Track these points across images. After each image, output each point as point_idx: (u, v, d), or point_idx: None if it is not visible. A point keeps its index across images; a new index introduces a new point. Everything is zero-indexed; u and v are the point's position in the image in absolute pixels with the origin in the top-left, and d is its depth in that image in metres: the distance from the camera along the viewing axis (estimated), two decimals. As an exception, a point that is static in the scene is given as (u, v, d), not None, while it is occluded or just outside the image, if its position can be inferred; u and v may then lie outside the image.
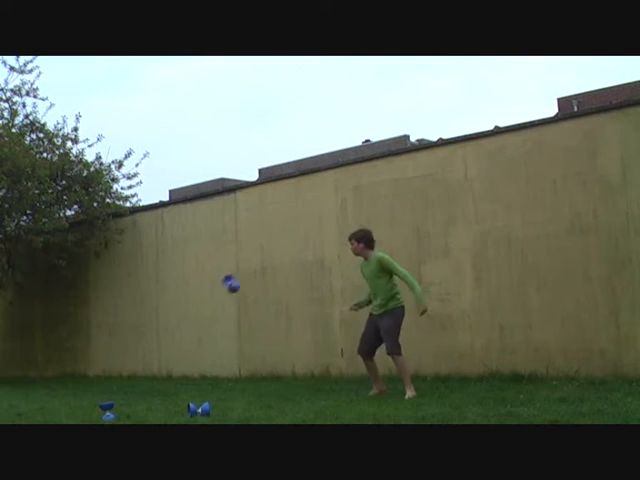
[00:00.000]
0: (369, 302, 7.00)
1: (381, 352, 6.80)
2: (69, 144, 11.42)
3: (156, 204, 11.46)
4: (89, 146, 11.50)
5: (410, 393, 6.45)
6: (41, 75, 10.93)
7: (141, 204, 11.84)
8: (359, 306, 7.15)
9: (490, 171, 7.82)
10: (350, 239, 7.00)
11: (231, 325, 9.88)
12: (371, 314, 6.90)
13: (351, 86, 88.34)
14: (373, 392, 6.84)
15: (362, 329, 6.94)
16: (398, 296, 6.76)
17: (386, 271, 6.74)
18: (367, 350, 6.90)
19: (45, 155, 11.31)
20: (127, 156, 11.56)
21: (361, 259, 7.02)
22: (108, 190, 11.57)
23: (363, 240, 6.91)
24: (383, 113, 71.47)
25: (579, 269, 7.14)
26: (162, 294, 10.75)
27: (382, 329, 6.71)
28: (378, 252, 6.89)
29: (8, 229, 11.13)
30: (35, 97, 11.10)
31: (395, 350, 6.63)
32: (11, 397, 8.27)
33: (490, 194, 7.79)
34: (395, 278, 6.78)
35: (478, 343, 7.71)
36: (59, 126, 11.37)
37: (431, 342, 7.97)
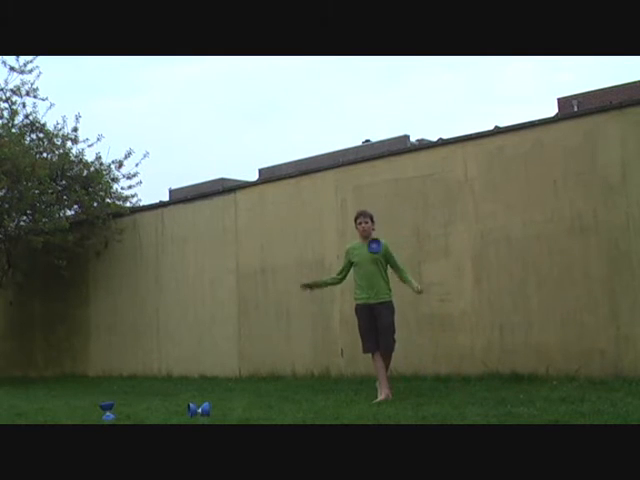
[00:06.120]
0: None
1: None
2: (69, 144, 11.45)
3: (156, 204, 11.46)
4: (89, 146, 11.55)
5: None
6: (41, 75, 10.98)
7: (141, 204, 11.87)
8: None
9: (490, 171, 7.81)
10: (365, 216, 6.55)
11: (231, 325, 9.87)
12: (367, 304, 6.43)
13: (351, 86, 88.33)
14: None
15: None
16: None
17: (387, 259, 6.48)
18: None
19: (45, 155, 11.32)
20: (127, 156, 11.59)
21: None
22: (108, 190, 11.58)
23: (373, 220, 6.57)
24: (383, 113, 71.44)
25: (579, 269, 7.14)
26: (162, 294, 10.75)
27: (387, 323, 6.35)
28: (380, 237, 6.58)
29: (8, 229, 11.13)
30: (35, 97, 11.13)
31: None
32: (11, 397, 8.27)
33: (490, 194, 7.79)
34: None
35: (478, 343, 7.71)
36: (59, 126, 11.41)
37: (431, 342, 7.97)
